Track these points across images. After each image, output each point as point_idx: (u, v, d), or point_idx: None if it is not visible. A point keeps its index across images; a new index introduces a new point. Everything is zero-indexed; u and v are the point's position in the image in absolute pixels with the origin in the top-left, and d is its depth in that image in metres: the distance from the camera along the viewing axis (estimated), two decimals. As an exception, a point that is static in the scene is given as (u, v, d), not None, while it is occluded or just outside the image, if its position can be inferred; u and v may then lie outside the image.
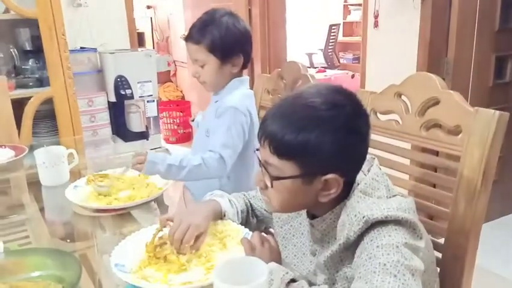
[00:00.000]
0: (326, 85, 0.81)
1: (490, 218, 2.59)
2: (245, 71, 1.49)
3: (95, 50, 2.89)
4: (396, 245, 0.68)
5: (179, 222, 0.94)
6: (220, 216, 1.03)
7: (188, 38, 1.37)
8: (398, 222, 0.71)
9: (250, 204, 1.10)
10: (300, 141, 0.74)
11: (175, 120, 4.42)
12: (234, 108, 1.34)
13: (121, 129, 2.87)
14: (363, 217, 0.71)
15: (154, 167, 1.23)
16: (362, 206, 0.74)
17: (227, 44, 1.34)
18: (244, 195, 1.11)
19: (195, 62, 1.38)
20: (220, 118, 1.35)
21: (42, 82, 2.52)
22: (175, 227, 0.94)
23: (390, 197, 0.79)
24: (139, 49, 3.18)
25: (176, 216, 0.97)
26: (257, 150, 0.82)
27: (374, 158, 0.84)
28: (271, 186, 0.80)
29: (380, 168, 0.83)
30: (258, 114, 1.64)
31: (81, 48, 2.88)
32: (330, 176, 0.75)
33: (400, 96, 1.08)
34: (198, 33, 1.35)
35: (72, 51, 2.64)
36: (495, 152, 0.89)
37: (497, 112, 0.88)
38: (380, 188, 0.79)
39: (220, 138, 1.31)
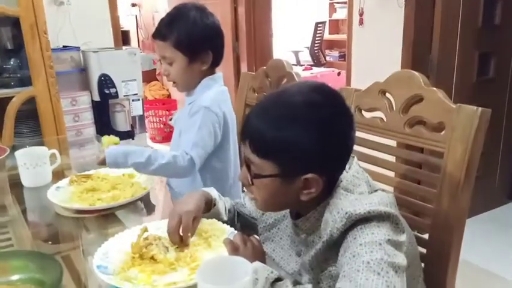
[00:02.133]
0: (309, 83, 0.81)
1: (473, 213, 2.62)
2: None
3: (78, 48, 2.85)
4: (379, 242, 0.68)
5: (173, 217, 0.94)
6: (211, 204, 1.02)
7: (155, 35, 1.33)
8: (380, 217, 0.71)
9: (235, 210, 1.10)
10: (278, 141, 0.74)
11: (161, 118, 4.39)
12: (206, 108, 1.31)
13: (105, 128, 2.83)
14: (346, 213, 0.71)
15: (116, 163, 1.24)
16: (344, 203, 0.74)
17: (194, 40, 1.29)
18: (231, 200, 1.12)
19: (163, 60, 1.34)
20: (192, 117, 1.33)
21: (24, 81, 2.47)
22: (170, 224, 0.94)
23: (371, 192, 0.79)
24: (124, 47, 3.15)
25: (169, 214, 0.96)
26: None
27: (354, 157, 0.84)
28: (252, 184, 0.80)
29: (360, 166, 0.83)
30: (244, 113, 1.64)
31: (64, 46, 2.84)
32: (309, 175, 0.75)
33: (384, 94, 1.09)
34: (164, 29, 1.31)
35: (54, 49, 2.60)
36: (478, 147, 0.90)
37: (480, 108, 0.89)
38: (361, 184, 0.79)
39: (190, 137, 1.30)
